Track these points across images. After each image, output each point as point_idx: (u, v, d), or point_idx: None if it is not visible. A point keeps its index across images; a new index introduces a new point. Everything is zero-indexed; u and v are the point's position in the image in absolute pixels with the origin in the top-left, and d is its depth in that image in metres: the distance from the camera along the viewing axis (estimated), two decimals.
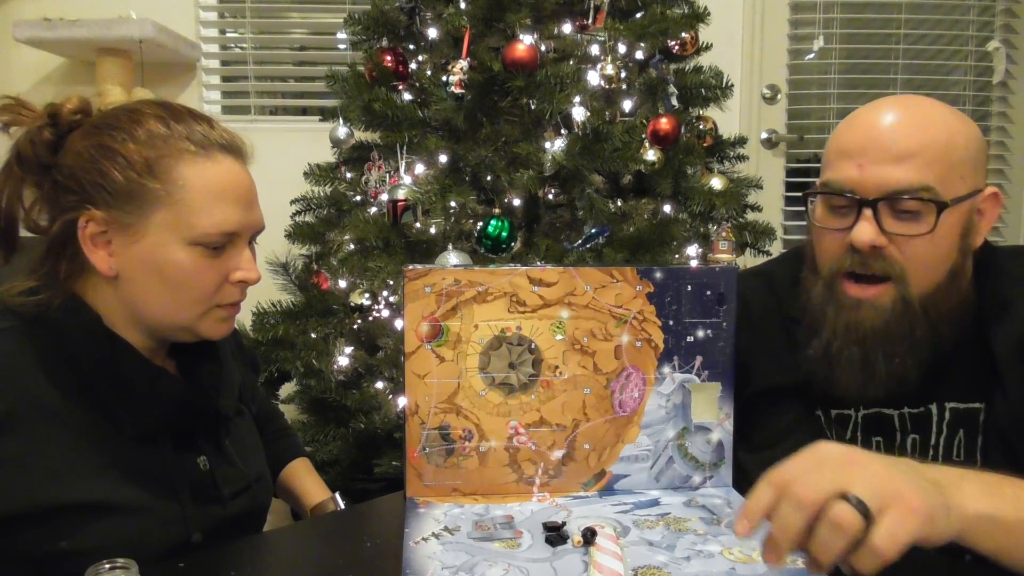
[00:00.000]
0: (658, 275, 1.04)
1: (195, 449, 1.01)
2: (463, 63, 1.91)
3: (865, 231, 0.95)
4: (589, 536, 0.90)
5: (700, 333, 1.05)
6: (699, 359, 1.06)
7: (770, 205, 2.74)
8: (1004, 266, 1.04)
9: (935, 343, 0.99)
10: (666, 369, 1.06)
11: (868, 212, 0.96)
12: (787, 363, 1.09)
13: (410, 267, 1.02)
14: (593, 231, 1.95)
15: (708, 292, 1.05)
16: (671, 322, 1.05)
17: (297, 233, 2.24)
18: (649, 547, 0.90)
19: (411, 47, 2.15)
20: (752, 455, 1.08)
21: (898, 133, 0.96)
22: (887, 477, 0.65)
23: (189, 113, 0.96)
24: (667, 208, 2.04)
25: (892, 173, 0.94)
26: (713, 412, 1.07)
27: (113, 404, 0.93)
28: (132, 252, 0.92)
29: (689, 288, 1.04)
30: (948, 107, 1.01)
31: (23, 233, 0.97)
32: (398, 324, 1.96)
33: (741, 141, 2.34)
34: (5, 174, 0.95)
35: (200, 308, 0.95)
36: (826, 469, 0.67)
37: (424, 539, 0.91)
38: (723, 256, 2.04)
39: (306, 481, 1.30)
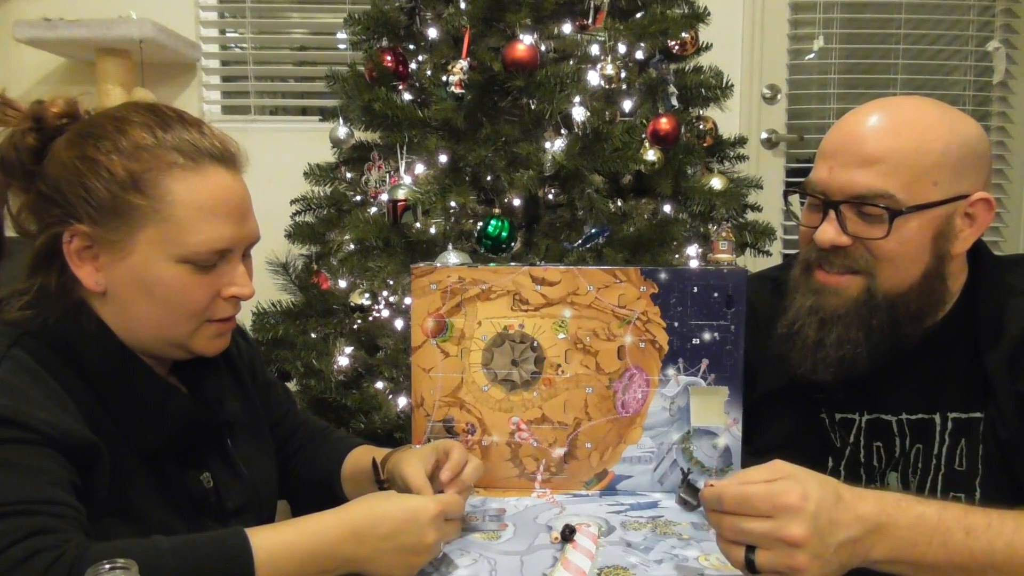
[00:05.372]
0: (663, 276, 1.04)
1: (200, 465, 0.98)
2: (463, 63, 1.91)
3: (825, 232, 1.00)
4: (567, 533, 0.90)
5: (707, 335, 1.05)
6: (705, 362, 1.06)
7: (770, 205, 2.73)
8: (1000, 277, 1.05)
9: (895, 338, 1.01)
10: (671, 371, 1.06)
11: (832, 213, 1.00)
12: (786, 353, 1.09)
13: (416, 265, 1.03)
14: (593, 231, 1.95)
15: (715, 294, 1.04)
16: (676, 324, 1.05)
17: (297, 233, 2.24)
18: (626, 548, 0.90)
19: (411, 47, 2.15)
20: (756, 459, 1.08)
21: (868, 137, 0.98)
22: (802, 567, 0.77)
23: (179, 119, 0.92)
24: (667, 208, 2.04)
25: (856, 177, 0.98)
26: (719, 417, 1.06)
27: (122, 419, 0.89)
28: (119, 268, 0.88)
29: (695, 290, 1.04)
30: (941, 110, 1.01)
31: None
32: (398, 324, 1.96)
33: (741, 141, 2.34)
34: None
35: (191, 325, 0.92)
36: (762, 534, 0.78)
37: None
38: (723, 256, 2.04)
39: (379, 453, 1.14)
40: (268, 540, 0.79)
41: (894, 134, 0.97)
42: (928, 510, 0.82)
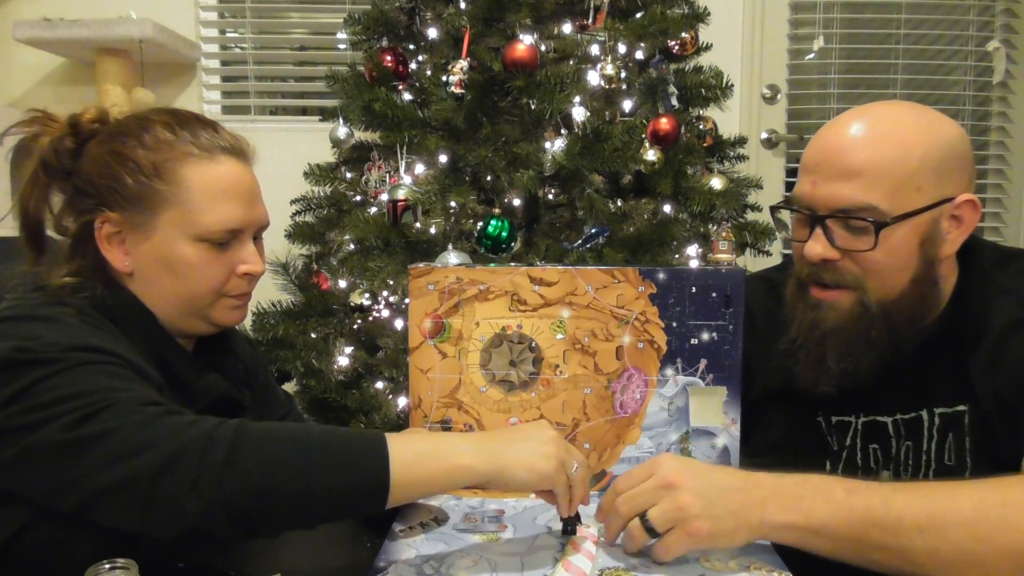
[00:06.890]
0: (661, 276, 1.04)
1: None
2: (463, 63, 1.91)
3: (814, 248, 1.00)
4: (568, 527, 0.91)
5: (705, 336, 1.05)
6: (703, 362, 1.05)
7: (770, 205, 2.74)
8: (989, 276, 1.05)
9: (895, 344, 1.02)
10: (669, 371, 1.06)
11: (819, 228, 1.00)
12: (789, 368, 1.09)
13: (414, 265, 1.03)
14: (593, 231, 1.95)
15: (714, 294, 1.04)
16: (674, 324, 1.05)
17: (297, 233, 2.24)
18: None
19: (411, 47, 2.15)
20: (752, 459, 1.08)
21: (847, 150, 0.98)
22: (686, 504, 0.83)
23: (196, 119, 1.02)
24: (667, 208, 2.04)
25: (839, 191, 0.97)
26: (718, 417, 1.06)
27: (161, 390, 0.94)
28: (144, 249, 0.98)
29: (694, 290, 1.04)
30: (918, 113, 1.01)
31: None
32: (398, 324, 1.96)
33: (741, 141, 2.34)
34: (32, 181, 1.00)
35: (209, 299, 1.01)
36: (644, 491, 0.85)
37: (411, 527, 0.94)
38: (723, 256, 2.04)
39: None
40: (398, 441, 0.82)
41: (873, 145, 0.97)
42: (811, 475, 0.86)
